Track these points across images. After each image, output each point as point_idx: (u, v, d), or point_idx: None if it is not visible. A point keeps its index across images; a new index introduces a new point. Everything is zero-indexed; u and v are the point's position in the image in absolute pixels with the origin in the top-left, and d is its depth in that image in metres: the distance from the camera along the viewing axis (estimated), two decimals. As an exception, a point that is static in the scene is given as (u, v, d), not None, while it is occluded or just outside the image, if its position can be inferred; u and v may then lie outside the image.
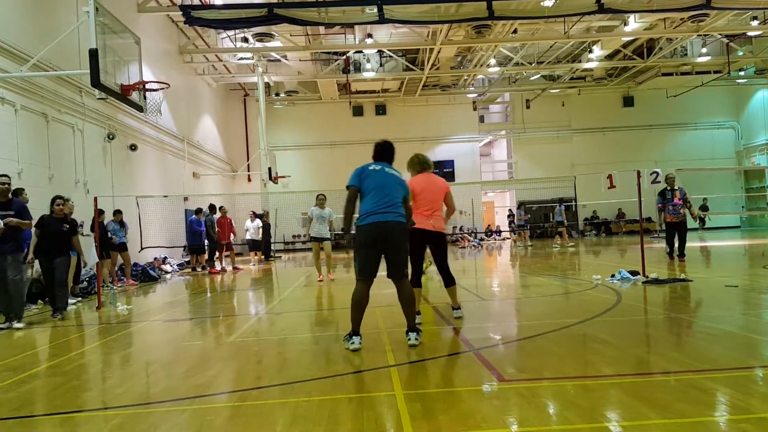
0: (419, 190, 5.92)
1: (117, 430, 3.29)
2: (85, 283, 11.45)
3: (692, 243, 18.77)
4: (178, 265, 17.54)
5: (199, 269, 16.77)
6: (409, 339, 5.05)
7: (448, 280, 6.25)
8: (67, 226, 8.44)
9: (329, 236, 11.61)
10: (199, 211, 16.79)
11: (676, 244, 12.19)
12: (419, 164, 6.24)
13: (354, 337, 5.02)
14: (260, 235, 19.04)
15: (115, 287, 12.43)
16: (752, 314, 6.33)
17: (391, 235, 4.99)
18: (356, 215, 5.17)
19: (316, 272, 11.86)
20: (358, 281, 5.06)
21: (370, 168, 5.22)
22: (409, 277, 5.47)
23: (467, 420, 3.15)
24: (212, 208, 17.33)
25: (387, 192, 5.07)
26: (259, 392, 3.96)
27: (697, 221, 24.69)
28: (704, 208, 25.11)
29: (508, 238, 28.01)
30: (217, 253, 17.12)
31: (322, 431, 3.11)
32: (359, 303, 5.04)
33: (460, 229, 28.48)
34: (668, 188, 12.22)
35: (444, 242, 6.25)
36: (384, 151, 5.41)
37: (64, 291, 8.47)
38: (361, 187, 5.14)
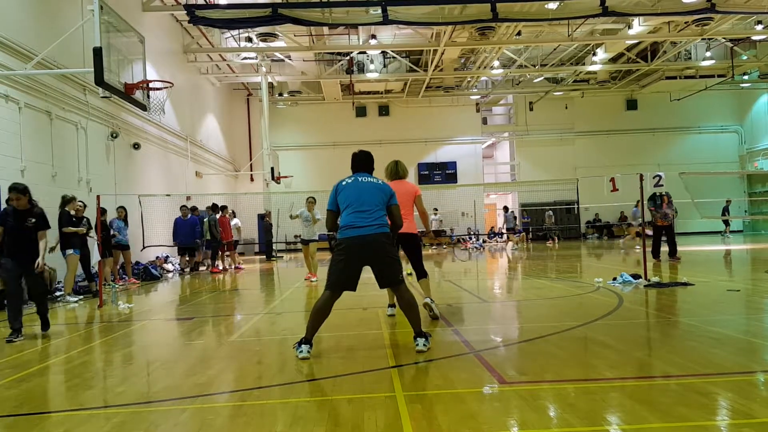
0: None
1: (118, 428, 3.30)
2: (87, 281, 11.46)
3: (711, 247, 18.74)
4: (180, 263, 17.54)
5: (203, 268, 16.73)
6: (417, 345, 4.85)
7: (420, 274, 6.61)
8: (33, 220, 6.62)
9: (316, 238, 12.38)
10: (194, 209, 16.68)
11: (664, 247, 13.33)
12: (393, 173, 6.70)
13: (303, 346, 4.80)
14: (239, 236, 18.67)
15: (116, 285, 12.45)
16: (754, 318, 6.32)
17: (375, 249, 4.82)
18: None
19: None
20: (327, 290, 4.87)
21: (343, 183, 5.06)
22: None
23: (468, 422, 3.15)
24: (215, 207, 17.33)
25: (363, 202, 4.89)
26: (259, 392, 3.96)
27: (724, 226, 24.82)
28: (726, 209, 25.01)
29: (510, 241, 28.02)
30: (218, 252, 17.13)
31: (323, 432, 3.11)
32: (319, 312, 4.85)
33: (467, 230, 28.46)
34: (658, 193, 12.96)
35: (415, 242, 6.60)
36: (359, 161, 5.26)
37: (43, 304, 6.84)
38: (338, 204, 5.00)
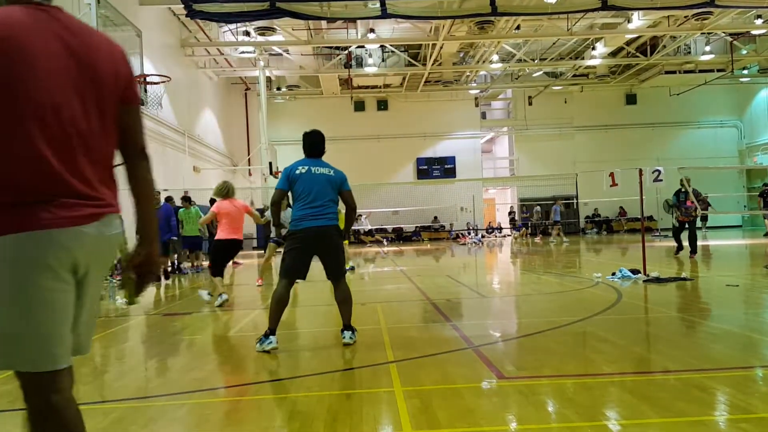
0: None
1: (116, 424, 3.29)
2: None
3: (709, 242, 18.71)
4: (177, 259, 17.50)
5: (187, 264, 16.24)
6: (344, 337, 4.99)
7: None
8: None
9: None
10: (169, 199, 14.60)
11: (684, 243, 12.98)
12: (221, 192, 8.46)
13: (270, 337, 4.84)
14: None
15: (114, 281, 12.43)
16: (753, 313, 6.32)
17: (325, 240, 4.98)
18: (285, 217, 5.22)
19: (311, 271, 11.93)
20: (282, 280, 5.00)
21: (297, 171, 5.12)
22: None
23: (466, 417, 3.14)
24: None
25: (315, 195, 5.00)
26: (257, 387, 3.95)
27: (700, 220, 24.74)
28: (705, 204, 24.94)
29: (508, 236, 28.02)
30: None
31: (321, 427, 3.09)
32: (280, 301, 4.95)
33: (466, 225, 28.43)
34: (682, 189, 12.70)
35: (240, 247, 8.26)
36: (310, 145, 5.39)
37: None
38: (291, 190, 5.11)
